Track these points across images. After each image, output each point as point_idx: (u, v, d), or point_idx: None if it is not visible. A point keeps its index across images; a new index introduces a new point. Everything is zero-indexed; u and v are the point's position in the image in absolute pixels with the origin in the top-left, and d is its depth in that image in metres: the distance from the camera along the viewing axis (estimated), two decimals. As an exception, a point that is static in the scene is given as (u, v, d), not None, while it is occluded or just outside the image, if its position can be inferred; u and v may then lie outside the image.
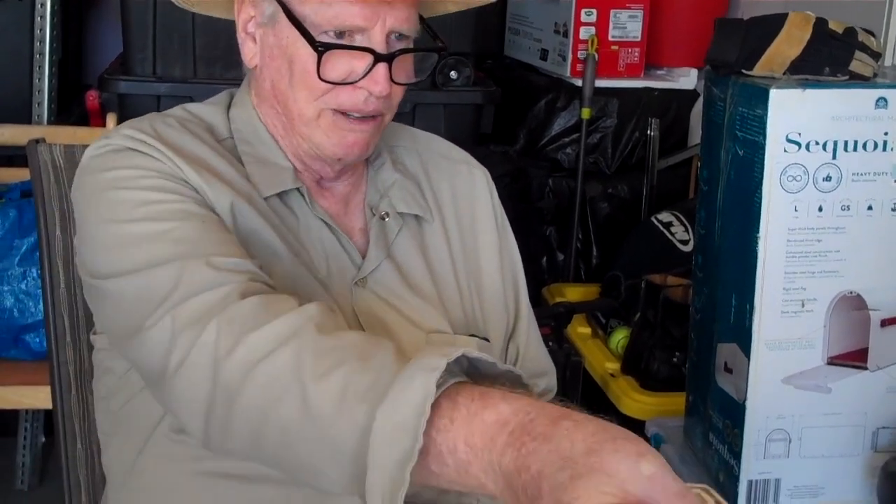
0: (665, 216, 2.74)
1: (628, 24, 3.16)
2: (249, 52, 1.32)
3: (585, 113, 3.05)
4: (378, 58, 1.23)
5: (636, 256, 2.72)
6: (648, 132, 3.11)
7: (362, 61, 1.24)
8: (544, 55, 3.29)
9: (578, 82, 3.08)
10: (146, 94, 2.66)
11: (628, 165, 3.18)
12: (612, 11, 3.14)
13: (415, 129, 1.53)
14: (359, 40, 1.24)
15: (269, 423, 0.98)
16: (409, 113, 2.72)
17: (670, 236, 2.65)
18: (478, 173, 1.51)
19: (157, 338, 1.08)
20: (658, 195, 3.07)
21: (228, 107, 1.38)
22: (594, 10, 3.12)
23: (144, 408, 1.25)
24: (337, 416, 0.92)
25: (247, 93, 1.37)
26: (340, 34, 1.24)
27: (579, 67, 3.09)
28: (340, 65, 1.24)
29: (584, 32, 3.11)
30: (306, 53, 1.24)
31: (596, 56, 3.06)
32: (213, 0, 1.38)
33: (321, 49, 1.22)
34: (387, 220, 1.38)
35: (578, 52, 3.11)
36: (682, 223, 2.68)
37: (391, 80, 1.24)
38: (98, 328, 1.34)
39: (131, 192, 1.20)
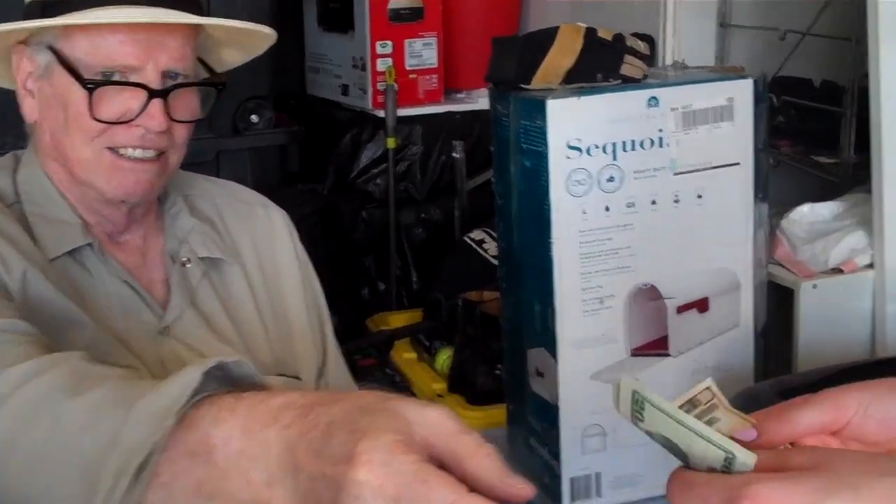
0: (477, 234, 2.80)
1: (424, 53, 3.23)
2: (28, 108, 1.31)
3: (391, 142, 3.10)
4: (152, 94, 1.23)
5: (454, 276, 2.77)
6: (454, 155, 3.17)
7: (137, 99, 1.24)
8: (345, 90, 3.33)
9: (381, 113, 3.13)
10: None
11: (438, 189, 3.25)
12: (407, 41, 3.20)
13: (208, 177, 1.53)
14: (133, 79, 1.24)
15: (16, 451, 0.86)
16: (213, 161, 2.72)
17: (483, 252, 2.72)
18: (276, 215, 1.52)
19: None
20: (470, 215, 3.13)
21: (14, 170, 1.35)
22: (389, 42, 3.18)
23: None
24: (88, 427, 0.81)
25: (32, 152, 1.35)
26: (113, 74, 1.24)
27: (380, 99, 3.13)
28: (115, 104, 1.24)
29: (382, 64, 3.17)
30: (79, 96, 1.24)
31: (395, 86, 3.11)
32: None
33: (90, 87, 1.22)
34: (188, 266, 1.38)
35: (378, 84, 3.16)
36: (493, 239, 2.74)
37: (169, 116, 1.25)
38: None
39: None
